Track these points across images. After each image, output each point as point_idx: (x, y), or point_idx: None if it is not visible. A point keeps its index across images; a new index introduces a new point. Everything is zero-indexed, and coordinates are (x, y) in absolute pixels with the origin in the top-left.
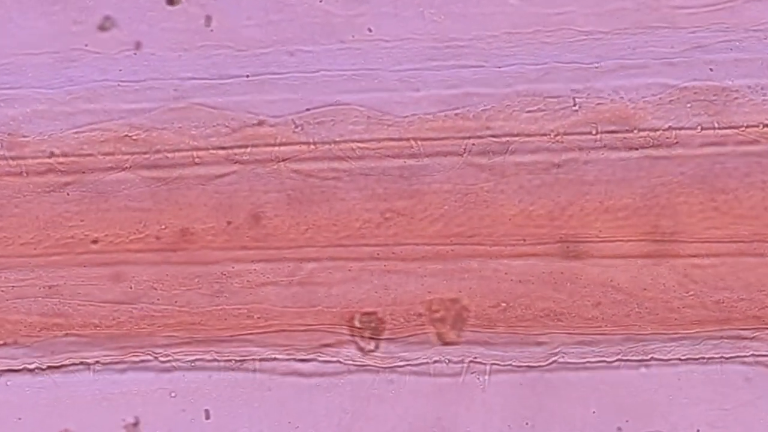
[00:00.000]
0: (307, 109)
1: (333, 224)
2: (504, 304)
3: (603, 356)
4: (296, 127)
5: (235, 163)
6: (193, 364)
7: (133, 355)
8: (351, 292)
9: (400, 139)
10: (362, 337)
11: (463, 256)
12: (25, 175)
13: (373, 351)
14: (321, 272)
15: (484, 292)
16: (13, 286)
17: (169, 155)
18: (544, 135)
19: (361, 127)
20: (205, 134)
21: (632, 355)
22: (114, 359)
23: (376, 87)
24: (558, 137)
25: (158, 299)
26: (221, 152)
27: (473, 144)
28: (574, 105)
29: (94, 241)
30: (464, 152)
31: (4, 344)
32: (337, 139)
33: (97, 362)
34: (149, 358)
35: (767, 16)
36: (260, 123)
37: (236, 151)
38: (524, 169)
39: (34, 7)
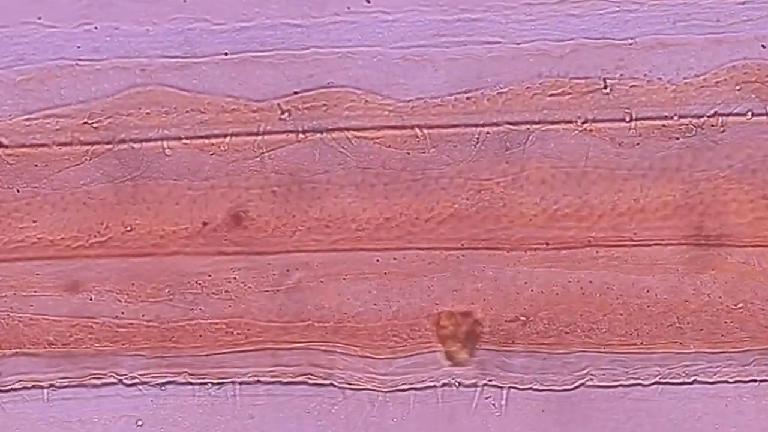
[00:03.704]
0: (295, 93)
1: (325, 225)
2: (523, 318)
3: (638, 378)
4: (282, 113)
5: (212, 155)
6: (163, 388)
7: (94, 378)
8: (346, 305)
9: (403, 127)
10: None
11: (476, 262)
12: None
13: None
14: (311, 281)
15: (500, 305)
16: None
17: (135, 146)
18: (570, 122)
19: (357, 113)
20: (177, 121)
21: (672, 377)
22: (71, 382)
23: (376, 67)
24: (586, 125)
25: (122, 312)
26: (196, 142)
27: (488, 133)
28: (605, 88)
29: (49, 245)
30: (477, 142)
31: None
32: (330, 127)
33: (52, 385)
34: (112, 380)
35: None
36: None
37: (213, 141)
38: (547, 162)
39: None
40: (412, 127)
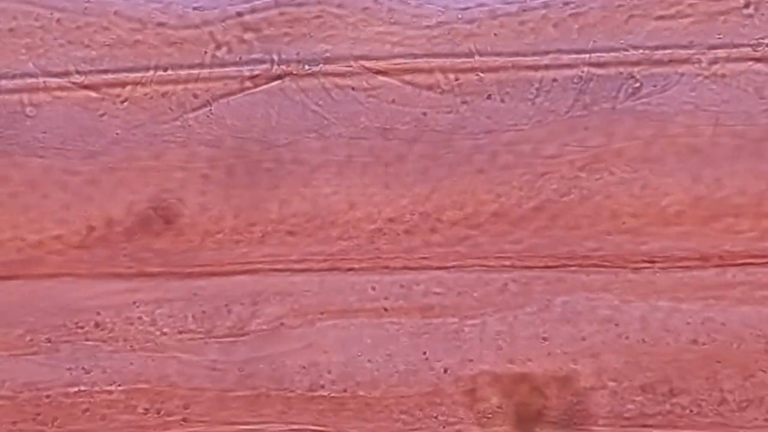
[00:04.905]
0: (239, 14)
1: (288, 232)
2: (614, 385)
3: None
4: (218, 46)
5: (103, 115)
6: None
7: None
8: (322, 362)
9: (417, 70)
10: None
11: (537, 292)
12: None
13: None
14: (266, 322)
15: (590, 365)
16: None
17: None
18: (691, 62)
19: (342, 46)
20: (45, 61)
21: None
22: None
23: None
24: (716, 67)
25: None
26: (75, 94)
27: (554, 80)
28: (747, 6)
29: None
30: (537, 94)
31: None
32: (297, 71)
33: None
34: None
35: None
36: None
37: (104, 92)
38: (653, 128)
39: None
40: (430, 71)
